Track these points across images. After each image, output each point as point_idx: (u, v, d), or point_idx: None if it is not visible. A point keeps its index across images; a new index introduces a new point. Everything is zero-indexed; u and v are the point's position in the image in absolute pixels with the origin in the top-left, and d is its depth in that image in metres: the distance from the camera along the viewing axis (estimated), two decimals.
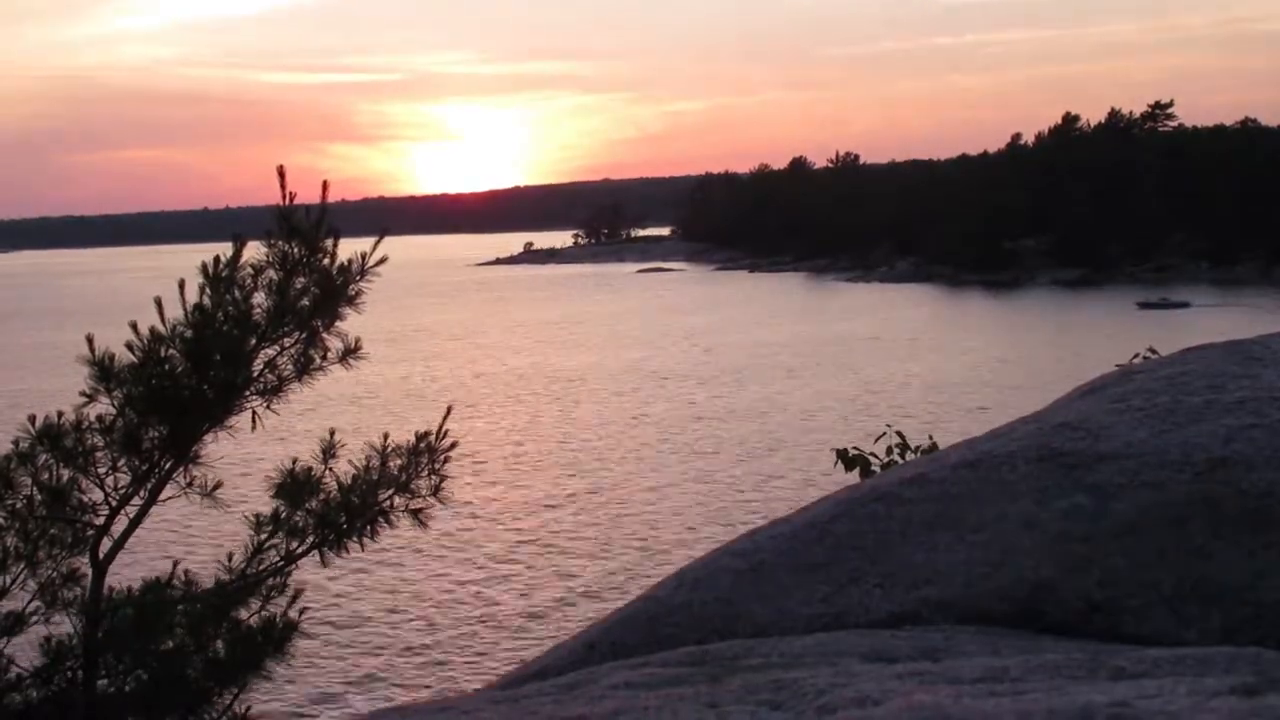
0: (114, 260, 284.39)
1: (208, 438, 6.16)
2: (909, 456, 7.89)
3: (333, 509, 6.34)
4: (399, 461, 6.49)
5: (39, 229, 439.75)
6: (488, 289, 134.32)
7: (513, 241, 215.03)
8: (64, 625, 6.04)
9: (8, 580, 6.00)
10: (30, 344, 78.77)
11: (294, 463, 6.38)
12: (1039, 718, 1.91)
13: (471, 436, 38.68)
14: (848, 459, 8.23)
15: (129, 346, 6.00)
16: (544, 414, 48.05)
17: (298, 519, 6.33)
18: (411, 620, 23.43)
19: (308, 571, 6.59)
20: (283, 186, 6.10)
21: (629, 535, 29.25)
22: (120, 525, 6.08)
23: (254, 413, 6.22)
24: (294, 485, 6.32)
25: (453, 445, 6.62)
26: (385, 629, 22.93)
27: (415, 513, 6.51)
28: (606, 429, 44.01)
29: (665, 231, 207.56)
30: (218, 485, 6.22)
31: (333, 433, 6.59)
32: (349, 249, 6.33)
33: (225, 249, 6.15)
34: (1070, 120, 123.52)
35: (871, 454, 8.25)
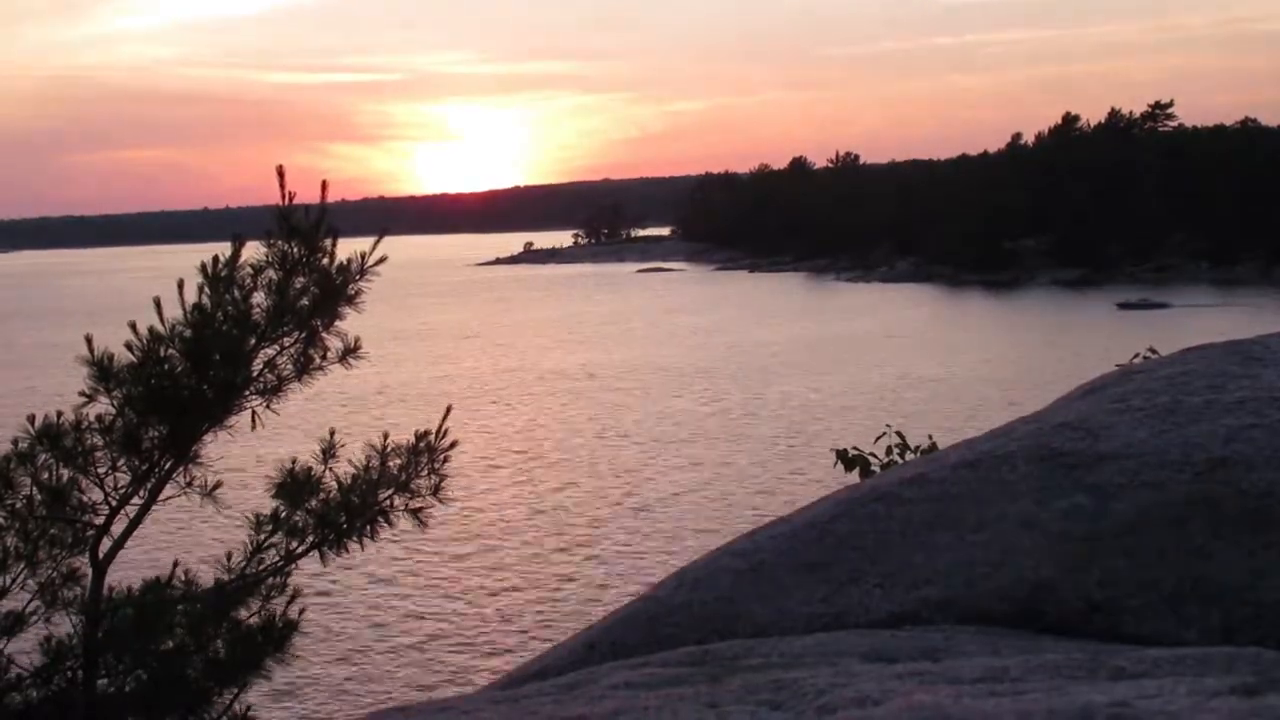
0: (114, 260, 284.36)
1: (207, 438, 6.16)
2: (909, 456, 7.89)
3: (333, 509, 6.34)
4: (399, 461, 6.48)
5: (39, 229, 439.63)
6: (488, 289, 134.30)
7: (513, 241, 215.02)
8: (64, 625, 6.04)
9: (8, 580, 6.00)
10: (32, 344, 78.78)
11: (294, 462, 6.38)
12: (1039, 718, 1.91)
13: (472, 436, 38.69)
14: (848, 459, 8.23)
15: (128, 346, 6.00)
16: (544, 413, 48.04)
17: (298, 519, 6.33)
18: (412, 620, 23.42)
19: (308, 571, 6.59)
20: (282, 186, 6.10)
21: (629, 535, 29.25)
22: (120, 525, 6.08)
23: (254, 413, 6.22)
24: (294, 485, 6.32)
25: (452, 445, 6.61)
26: (385, 629, 22.93)
27: (415, 512, 6.51)
28: (607, 429, 44.01)
29: (665, 231, 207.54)
30: (218, 485, 6.22)
31: (333, 432, 6.59)
32: (349, 249, 6.33)
33: (225, 249, 6.14)
34: (1070, 120, 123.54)
35: (871, 454, 8.25)
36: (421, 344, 75.68)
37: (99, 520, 6.07)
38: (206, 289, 6.04)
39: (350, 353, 6.39)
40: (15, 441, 6.02)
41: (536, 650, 16.35)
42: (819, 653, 2.89)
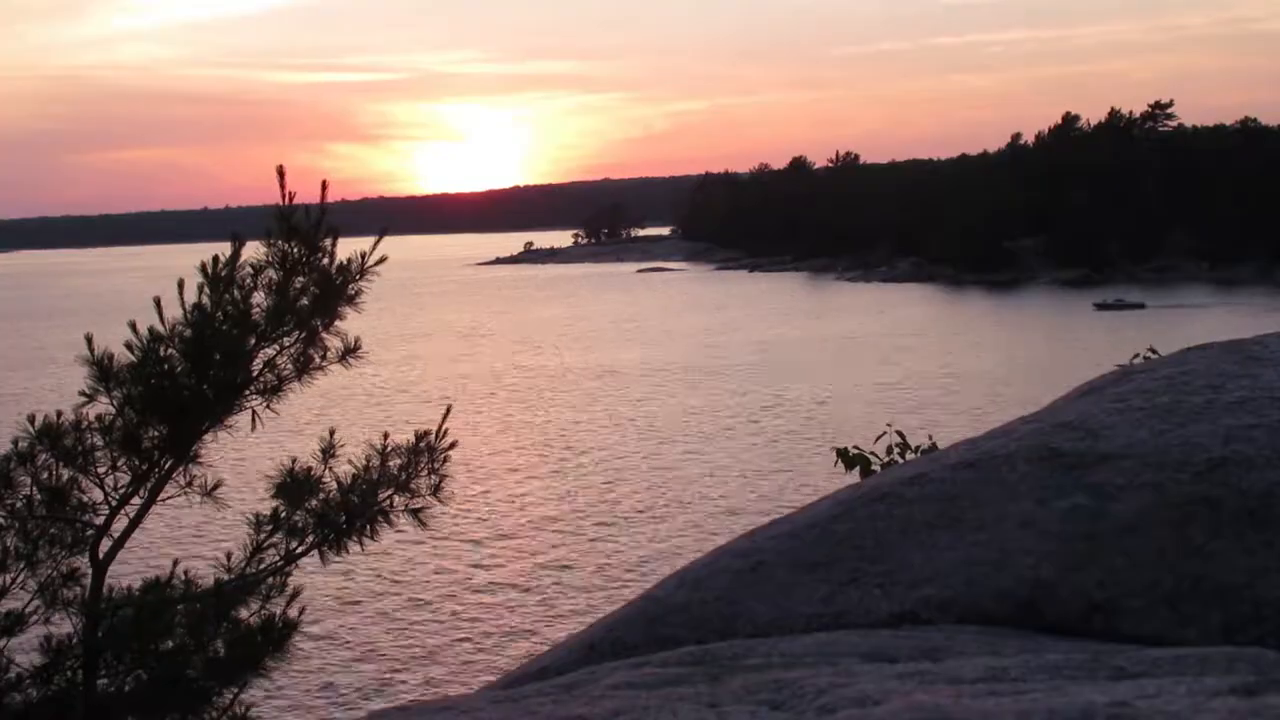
0: (114, 260, 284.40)
1: (207, 438, 6.16)
2: (909, 456, 7.88)
3: (332, 509, 6.33)
4: (399, 461, 6.48)
5: (39, 229, 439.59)
6: (493, 289, 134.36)
7: (513, 241, 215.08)
8: (64, 625, 6.04)
9: (8, 580, 5.99)
10: (35, 344, 78.79)
11: (294, 462, 6.38)
12: (1039, 718, 1.91)
13: (471, 436, 38.70)
14: (848, 459, 8.21)
15: (128, 346, 5.99)
16: (545, 412, 48.03)
17: (297, 519, 6.33)
18: (412, 620, 23.42)
19: (308, 571, 6.59)
20: (282, 186, 6.09)
21: (629, 534, 29.25)
22: (120, 525, 6.07)
23: (254, 413, 6.22)
24: (294, 485, 6.31)
25: (452, 445, 6.61)
26: (385, 628, 22.93)
27: (415, 512, 6.51)
28: (607, 428, 44.01)
29: (665, 231, 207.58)
30: (217, 485, 6.22)
31: (332, 432, 6.58)
32: (349, 248, 6.32)
33: (225, 249, 6.14)
34: (1070, 120, 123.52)
35: (871, 454, 8.23)
36: (442, 343, 75.85)
37: (99, 520, 6.07)
38: (206, 289, 6.03)
39: (350, 353, 6.39)
40: (15, 441, 6.02)
41: (536, 650, 16.36)
42: (819, 653, 2.89)
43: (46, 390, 48.47)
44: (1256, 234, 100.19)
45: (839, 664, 2.72)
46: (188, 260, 6.63)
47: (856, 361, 59.50)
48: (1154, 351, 7.84)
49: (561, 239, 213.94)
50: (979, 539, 3.55)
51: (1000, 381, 49.99)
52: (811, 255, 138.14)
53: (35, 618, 6.07)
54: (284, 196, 6.12)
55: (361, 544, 6.44)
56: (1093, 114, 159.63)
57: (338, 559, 6.53)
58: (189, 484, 6.15)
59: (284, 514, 6.32)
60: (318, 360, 6.33)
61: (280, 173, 6.08)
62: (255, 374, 6.19)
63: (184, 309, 5.99)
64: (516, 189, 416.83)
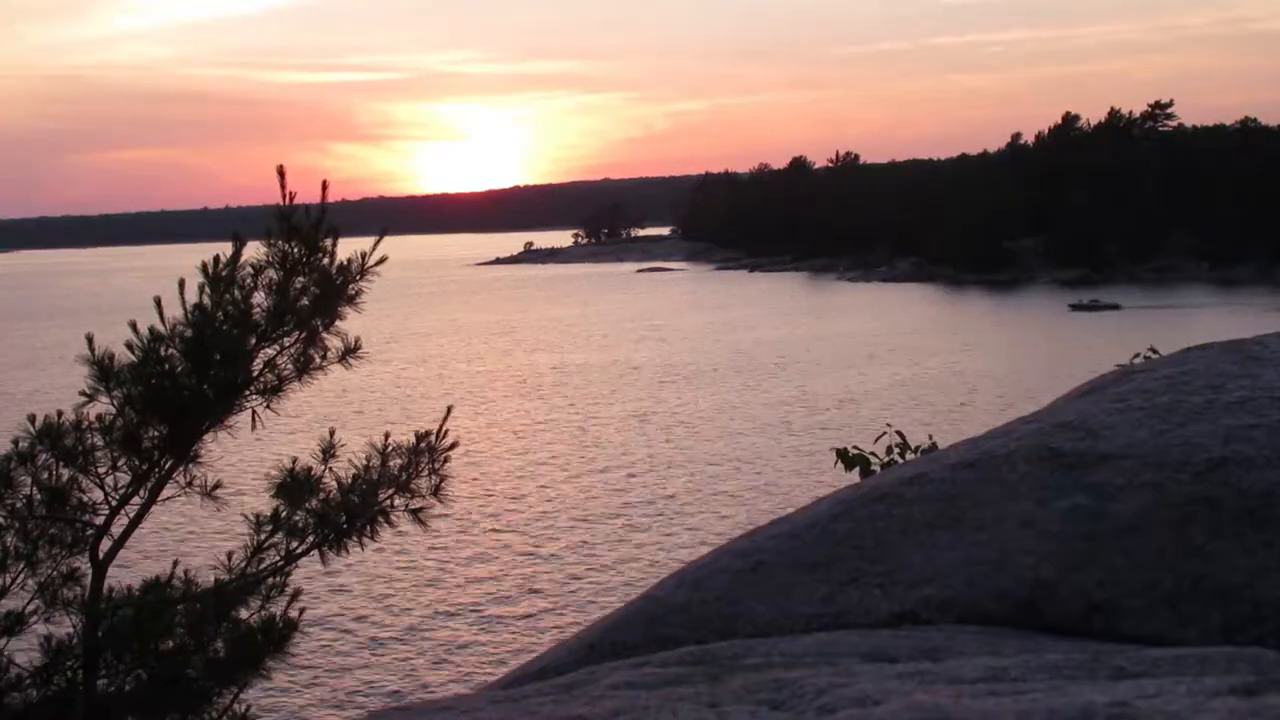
0: (114, 260, 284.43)
1: (207, 437, 6.15)
2: (909, 456, 7.87)
3: (332, 509, 6.33)
4: (399, 461, 6.48)
5: (39, 229, 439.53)
6: (498, 288, 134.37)
7: (513, 241, 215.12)
8: (64, 625, 6.04)
9: (8, 580, 5.99)
10: (37, 344, 78.77)
11: (294, 462, 6.38)
12: (1039, 718, 1.91)
13: (470, 436, 38.68)
14: (848, 459, 8.20)
15: (129, 346, 5.99)
16: (544, 412, 48.01)
17: (298, 519, 6.32)
18: (412, 620, 23.42)
19: (308, 571, 6.59)
20: (282, 186, 6.09)
21: (629, 534, 29.24)
22: (120, 525, 6.07)
23: (254, 412, 6.21)
24: (294, 485, 6.31)
25: (452, 445, 6.61)
26: (385, 628, 22.92)
27: (415, 512, 6.51)
28: (607, 428, 44.00)
29: (665, 231, 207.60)
30: (217, 485, 6.22)
31: (332, 432, 6.58)
32: (349, 248, 6.32)
33: (225, 249, 6.13)
34: (1070, 120, 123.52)
35: (871, 454, 8.22)
36: (460, 342, 75.89)
37: (99, 520, 6.06)
38: (207, 289, 6.03)
39: (350, 352, 6.38)
40: (16, 441, 6.01)
41: (536, 650, 16.35)
42: (819, 653, 2.89)
43: (46, 390, 48.46)
44: (1256, 234, 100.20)
45: (839, 664, 2.72)
46: (188, 260, 6.63)
47: (857, 361, 59.50)
48: (1154, 351, 7.84)
49: (561, 239, 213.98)
50: (979, 539, 3.55)
51: (970, 382, 50.21)
52: (811, 255, 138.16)
53: (35, 618, 6.06)
54: (284, 196, 6.11)
55: (362, 544, 6.44)
56: (1093, 114, 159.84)
57: (338, 559, 6.53)
58: (189, 484, 6.14)
59: (284, 514, 6.32)
60: (318, 360, 6.32)
61: (280, 172, 6.08)
62: (255, 374, 6.18)
63: (184, 309, 5.98)
64: (516, 189, 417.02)
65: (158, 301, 6.02)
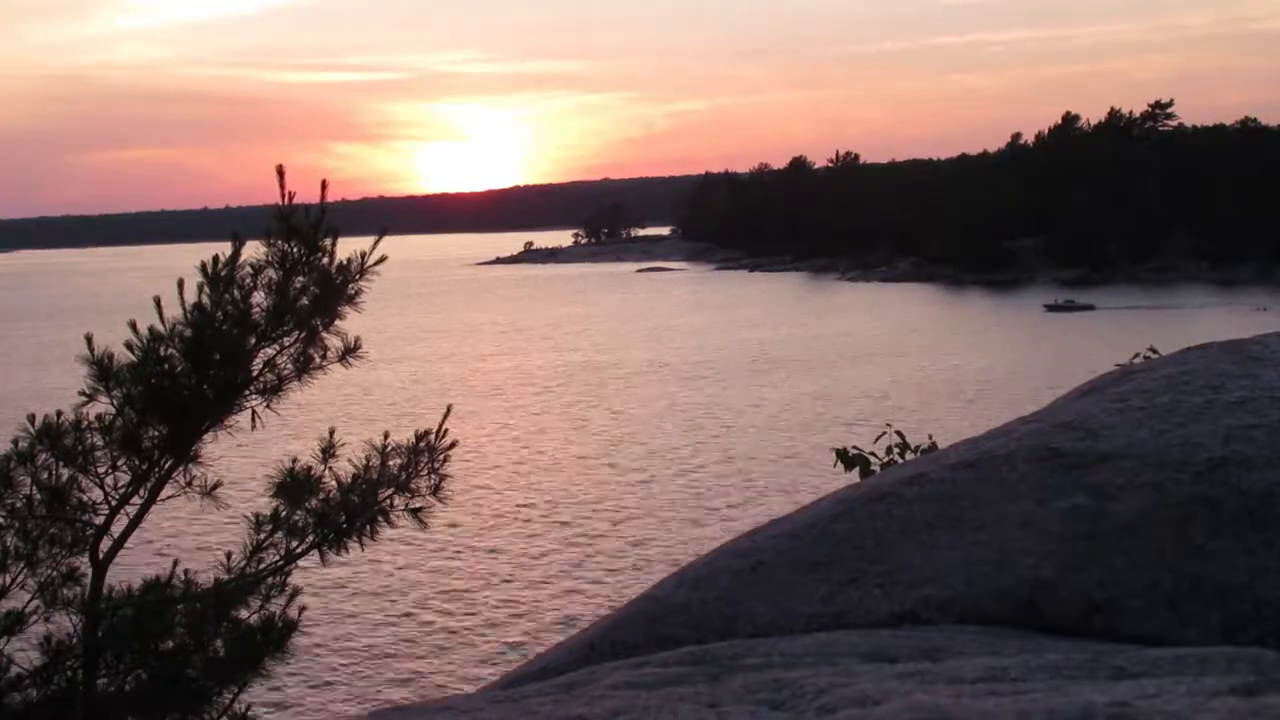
0: (114, 260, 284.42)
1: (207, 437, 6.15)
2: (909, 456, 7.87)
3: (332, 508, 6.33)
4: (399, 461, 6.47)
5: (39, 229, 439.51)
6: (502, 288, 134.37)
7: (513, 241, 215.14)
8: (64, 625, 6.03)
9: (8, 580, 5.99)
10: (39, 344, 78.80)
11: (294, 462, 6.38)
12: (1039, 718, 1.91)
13: (471, 435, 38.68)
14: (848, 459, 8.21)
15: (128, 346, 5.98)
16: (543, 412, 48.01)
17: (297, 518, 6.32)
18: (412, 620, 23.41)
19: (308, 571, 6.58)
20: (282, 186, 6.08)
21: (629, 534, 29.24)
22: (120, 525, 6.07)
23: (254, 412, 6.21)
24: (294, 484, 6.31)
25: (452, 444, 6.60)
26: (385, 628, 22.92)
27: (415, 512, 6.50)
28: (607, 428, 43.99)
29: (665, 231, 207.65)
30: (217, 485, 6.21)
31: (332, 432, 6.58)
32: (349, 248, 6.32)
33: (225, 249, 6.13)
34: (1070, 120, 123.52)
35: (871, 454, 8.22)
36: (460, 342, 75.92)
37: (99, 520, 6.06)
38: (206, 289, 6.02)
39: (350, 352, 6.38)
40: (15, 441, 6.01)
41: (536, 650, 16.34)
42: (819, 653, 2.89)
43: (47, 390, 48.48)
44: (1256, 234, 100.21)
45: (839, 664, 2.72)
46: (188, 260, 6.62)
47: (856, 361, 59.49)
48: (1154, 351, 7.85)
49: (561, 239, 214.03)
50: (979, 539, 3.55)
51: (970, 381, 50.21)
52: (811, 255, 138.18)
53: (35, 617, 6.06)
54: (284, 196, 6.11)
55: (361, 544, 6.43)
56: (1093, 114, 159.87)
57: (338, 559, 6.53)
58: (189, 484, 6.14)
59: (284, 514, 6.32)
60: (318, 360, 6.32)
61: (280, 172, 6.07)
62: (255, 374, 6.18)
63: (184, 309, 5.98)
64: (516, 189, 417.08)
65: (157, 301, 6.01)
